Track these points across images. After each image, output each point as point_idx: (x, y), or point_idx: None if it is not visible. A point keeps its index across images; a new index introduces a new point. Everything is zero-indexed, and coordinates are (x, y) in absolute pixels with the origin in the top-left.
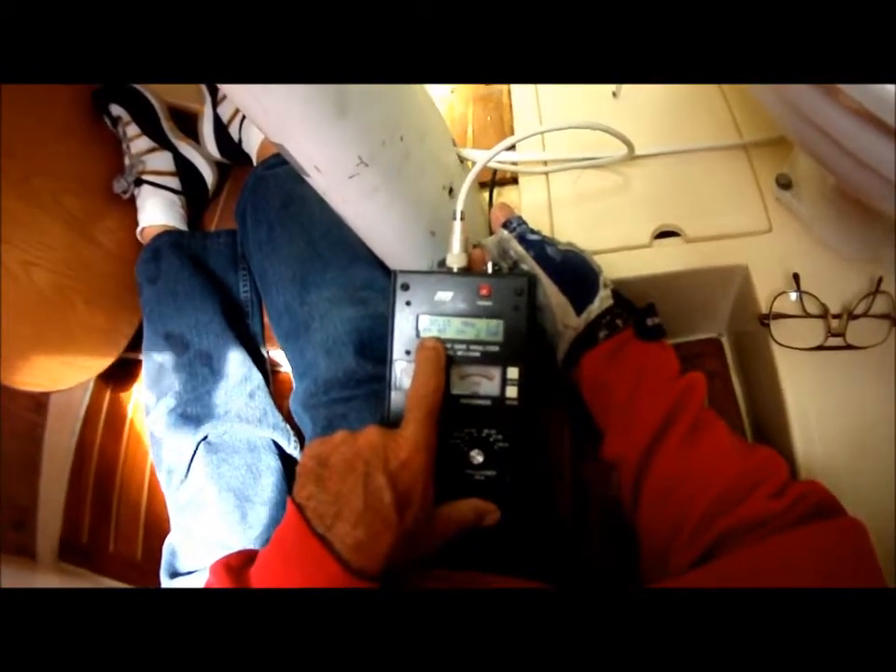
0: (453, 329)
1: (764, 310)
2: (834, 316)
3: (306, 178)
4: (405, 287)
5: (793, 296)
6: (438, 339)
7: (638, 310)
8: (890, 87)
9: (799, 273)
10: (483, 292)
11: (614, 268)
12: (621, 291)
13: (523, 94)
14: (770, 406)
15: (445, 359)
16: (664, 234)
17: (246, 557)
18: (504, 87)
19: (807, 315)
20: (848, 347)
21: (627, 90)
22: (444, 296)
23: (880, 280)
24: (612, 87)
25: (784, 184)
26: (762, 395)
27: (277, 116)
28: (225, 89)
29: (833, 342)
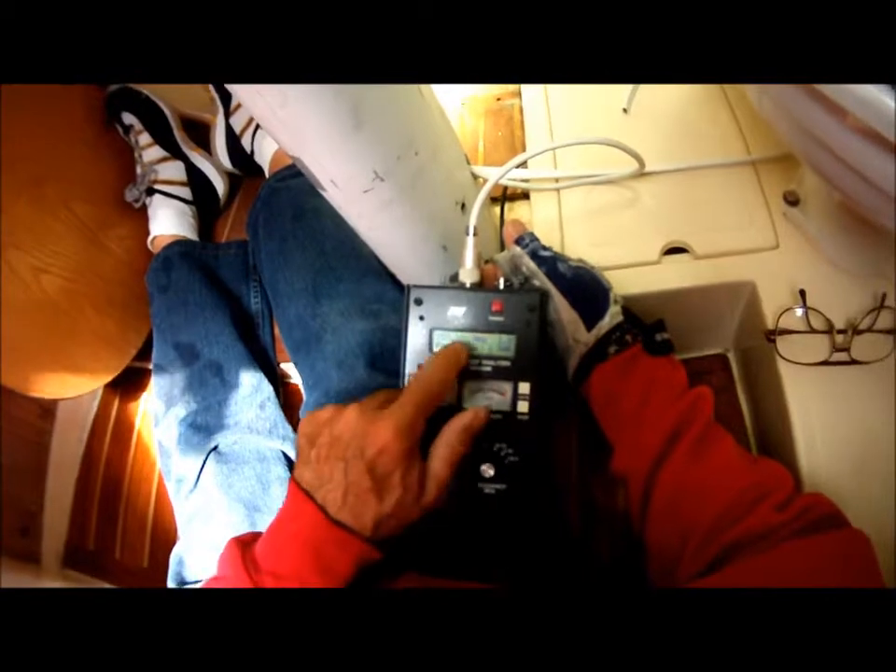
0: (465, 344)
1: (771, 326)
2: (839, 332)
3: (321, 192)
4: (418, 302)
5: (799, 312)
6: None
7: (648, 326)
8: (891, 103)
9: (805, 289)
10: (496, 308)
11: (623, 284)
12: (629, 307)
13: (534, 110)
14: (775, 420)
15: (462, 366)
16: (672, 251)
17: (258, 535)
18: (515, 102)
19: (813, 331)
20: (853, 362)
21: (637, 106)
22: (457, 311)
23: (884, 296)
24: (623, 103)
25: (791, 200)
26: (767, 409)
27: (294, 129)
28: (243, 100)
29: (837, 357)
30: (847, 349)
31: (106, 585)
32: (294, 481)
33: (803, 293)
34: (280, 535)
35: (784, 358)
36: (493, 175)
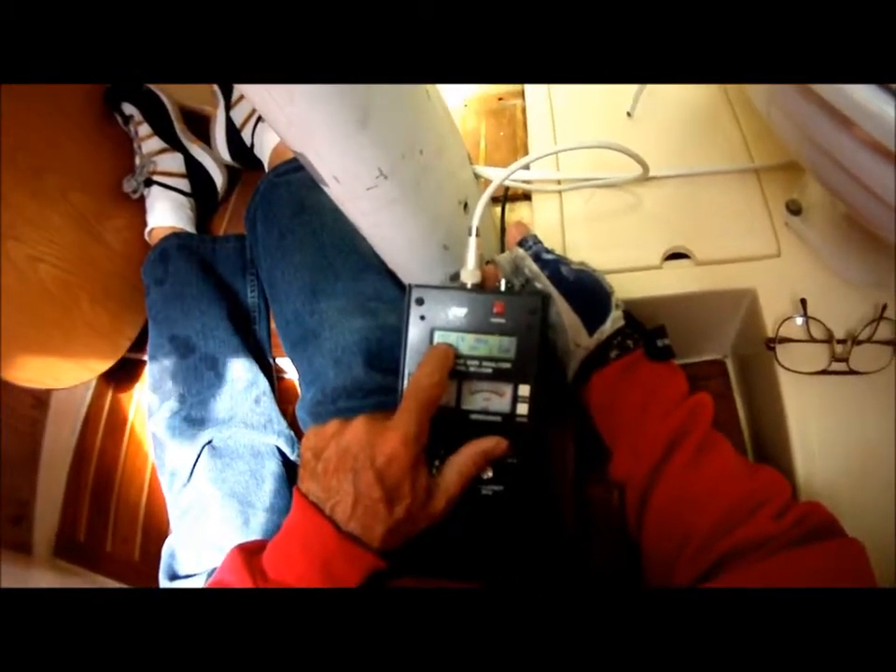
0: (466, 344)
1: (771, 334)
2: (839, 342)
3: (324, 188)
4: (420, 302)
5: (800, 321)
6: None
7: (649, 331)
8: (891, 112)
9: (806, 299)
10: (497, 310)
11: (624, 288)
12: (629, 312)
13: (537, 111)
14: (773, 428)
15: (451, 365)
16: (674, 256)
17: (262, 544)
18: (518, 102)
19: (813, 340)
20: (852, 372)
21: (641, 110)
22: (459, 312)
23: (884, 307)
24: (626, 107)
25: (794, 209)
26: (764, 417)
27: (300, 125)
28: (248, 96)
29: (836, 366)
30: (846, 359)
31: (98, 577)
32: (300, 494)
33: (804, 302)
34: (288, 546)
35: (783, 367)
36: (497, 177)
